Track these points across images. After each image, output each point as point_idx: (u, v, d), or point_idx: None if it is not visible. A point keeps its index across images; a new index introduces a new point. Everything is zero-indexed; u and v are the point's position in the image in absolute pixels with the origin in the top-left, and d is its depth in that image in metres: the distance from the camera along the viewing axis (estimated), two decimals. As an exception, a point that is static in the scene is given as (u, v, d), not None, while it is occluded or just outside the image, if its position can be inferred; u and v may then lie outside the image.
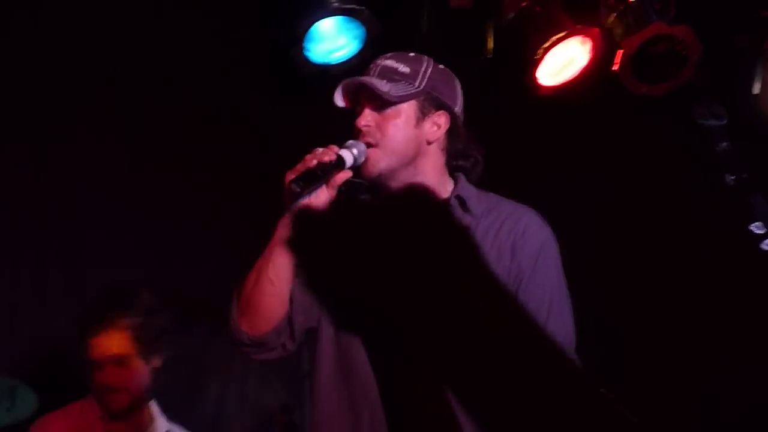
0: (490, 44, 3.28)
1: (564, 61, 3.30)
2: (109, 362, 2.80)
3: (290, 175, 1.99)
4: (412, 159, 2.14)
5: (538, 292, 2.00)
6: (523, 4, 3.16)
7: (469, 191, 2.12)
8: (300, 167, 1.99)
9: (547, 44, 3.18)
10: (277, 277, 2.10)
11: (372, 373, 2.14)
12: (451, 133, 2.16)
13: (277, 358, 2.24)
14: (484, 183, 2.17)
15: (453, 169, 2.17)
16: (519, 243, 2.03)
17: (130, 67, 3.23)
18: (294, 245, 0.77)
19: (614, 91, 3.31)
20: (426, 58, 2.18)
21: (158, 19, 3.32)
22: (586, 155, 3.51)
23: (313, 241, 0.73)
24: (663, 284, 3.46)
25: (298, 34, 3.10)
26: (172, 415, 3.00)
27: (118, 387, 2.81)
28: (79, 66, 3.23)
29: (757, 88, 3.21)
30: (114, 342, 2.82)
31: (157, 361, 2.90)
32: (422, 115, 2.14)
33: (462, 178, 2.15)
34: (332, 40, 3.17)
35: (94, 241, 3.21)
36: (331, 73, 3.10)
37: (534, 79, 3.23)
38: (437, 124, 2.16)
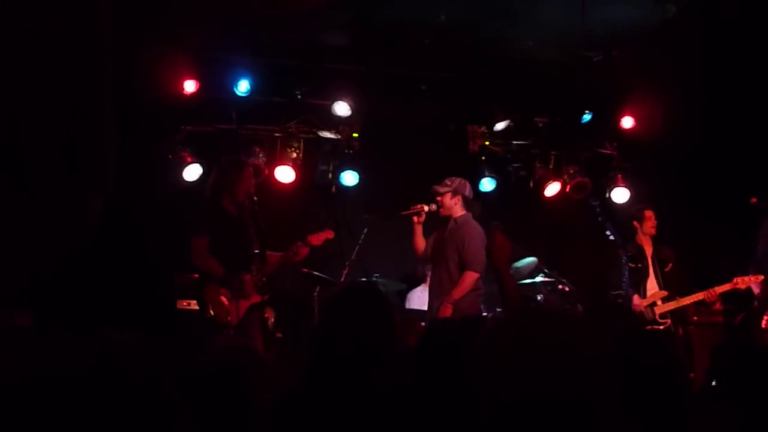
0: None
1: (552, 189, 10.11)
2: None
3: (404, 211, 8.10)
4: (451, 209, 8.38)
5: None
6: (538, 174, 10.34)
7: (465, 217, 7.97)
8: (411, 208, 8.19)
9: (546, 185, 10.16)
10: (416, 240, 8.39)
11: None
12: (465, 200, 8.40)
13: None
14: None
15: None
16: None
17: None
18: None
19: (564, 196, 10.22)
20: (458, 178, 8.11)
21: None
22: (559, 218, 10.50)
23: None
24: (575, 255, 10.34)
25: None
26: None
27: None
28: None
29: (608, 197, 10.49)
30: None
31: None
32: (453, 195, 8.40)
33: (468, 214, 8.01)
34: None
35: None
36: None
37: (542, 193, 10.17)
38: (458, 198, 8.34)
